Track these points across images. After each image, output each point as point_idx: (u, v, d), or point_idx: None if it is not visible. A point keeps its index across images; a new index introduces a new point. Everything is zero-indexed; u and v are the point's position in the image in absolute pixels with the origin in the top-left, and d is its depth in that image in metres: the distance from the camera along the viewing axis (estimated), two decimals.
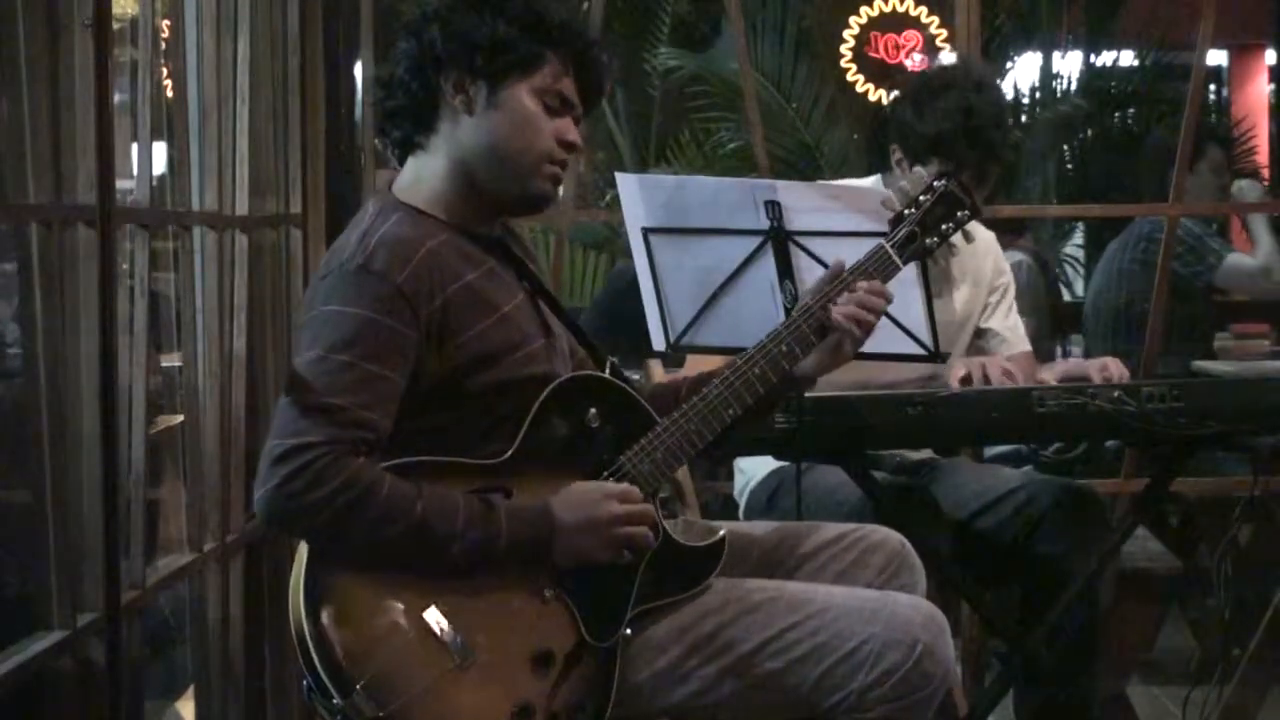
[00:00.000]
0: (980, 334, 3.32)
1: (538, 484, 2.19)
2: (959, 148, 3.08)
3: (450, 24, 2.25)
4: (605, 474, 2.24)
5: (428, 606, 2.10)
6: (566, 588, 2.18)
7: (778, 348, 2.33)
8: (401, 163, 2.34)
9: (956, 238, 2.46)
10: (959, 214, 2.44)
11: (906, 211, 2.43)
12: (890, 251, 2.40)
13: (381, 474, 2.09)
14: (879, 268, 2.39)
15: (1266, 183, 9.76)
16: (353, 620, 2.07)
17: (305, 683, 2.08)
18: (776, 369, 2.32)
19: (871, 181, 3.26)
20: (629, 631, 2.22)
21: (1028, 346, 3.35)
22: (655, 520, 2.24)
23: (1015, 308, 3.38)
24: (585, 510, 2.18)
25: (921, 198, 2.43)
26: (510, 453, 2.20)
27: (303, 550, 2.10)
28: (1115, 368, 2.91)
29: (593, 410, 2.25)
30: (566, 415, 2.24)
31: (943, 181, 2.44)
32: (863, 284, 2.36)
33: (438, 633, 2.09)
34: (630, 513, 2.21)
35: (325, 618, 2.06)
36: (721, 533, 2.32)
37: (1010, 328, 3.33)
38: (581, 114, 2.32)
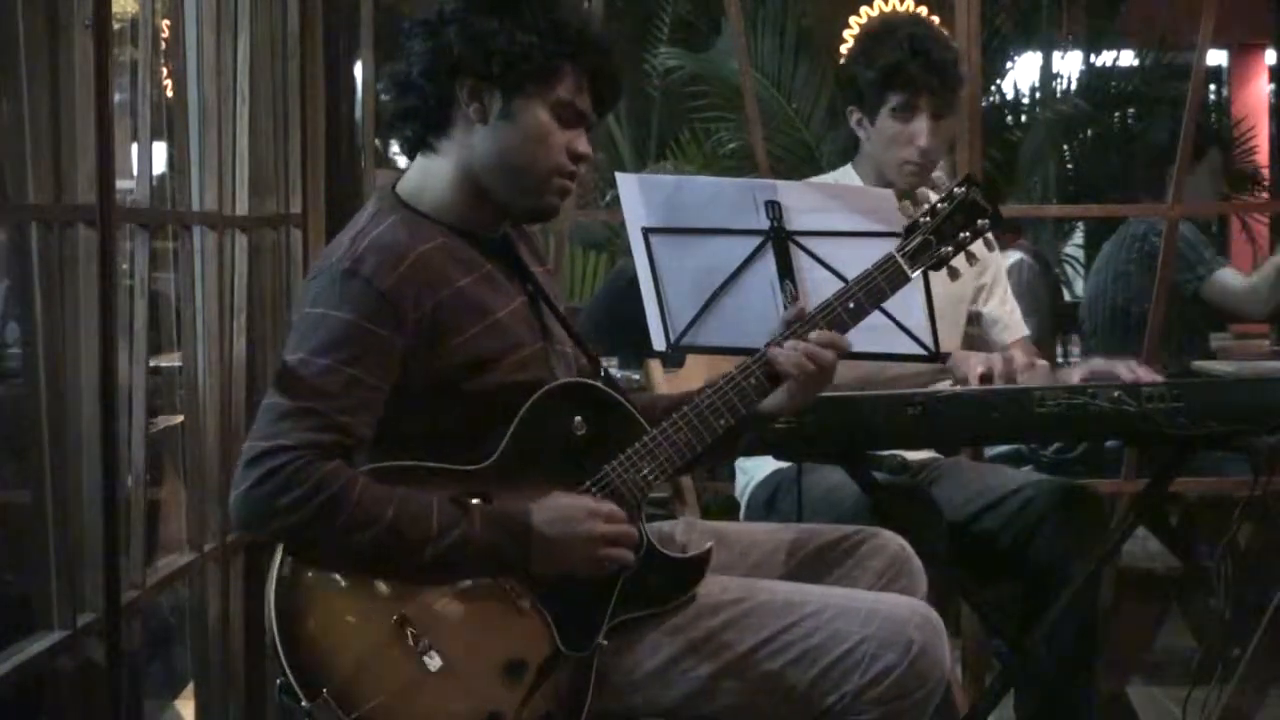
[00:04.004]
0: (976, 319, 3.31)
1: (519, 491, 2.17)
2: (911, 72, 3.06)
3: (468, 28, 2.20)
4: (588, 483, 2.21)
5: (399, 612, 2.08)
6: (543, 596, 2.16)
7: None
8: (410, 158, 2.32)
9: (977, 246, 2.39)
10: (979, 222, 2.35)
11: (922, 220, 2.35)
12: (900, 261, 2.33)
13: (354, 478, 2.08)
14: (888, 278, 2.32)
15: (1267, 182, 9.76)
16: (322, 624, 2.06)
17: (279, 682, 2.06)
18: (774, 377, 2.28)
19: (840, 174, 3.26)
20: (605, 642, 2.19)
21: (1026, 331, 3.35)
22: (637, 540, 2.21)
23: (1010, 290, 3.37)
24: (567, 525, 2.15)
25: (939, 205, 2.35)
26: (493, 458, 2.17)
27: (279, 551, 2.09)
28: (1145, 372, 2.88)
29: (578, 418, 2.22)
30: (552, 422, 2.21)
31: (963, 188, 2.36)
32: (814, 335, 2.27)
33: (407, 639, 2.07)
34: (612, 533, 2.17)
35: (295, 620, 2.05)
36: (708, 545, 2.28)
37: (1008, 313, 3.33)
38: (595, 123, 2.29)
